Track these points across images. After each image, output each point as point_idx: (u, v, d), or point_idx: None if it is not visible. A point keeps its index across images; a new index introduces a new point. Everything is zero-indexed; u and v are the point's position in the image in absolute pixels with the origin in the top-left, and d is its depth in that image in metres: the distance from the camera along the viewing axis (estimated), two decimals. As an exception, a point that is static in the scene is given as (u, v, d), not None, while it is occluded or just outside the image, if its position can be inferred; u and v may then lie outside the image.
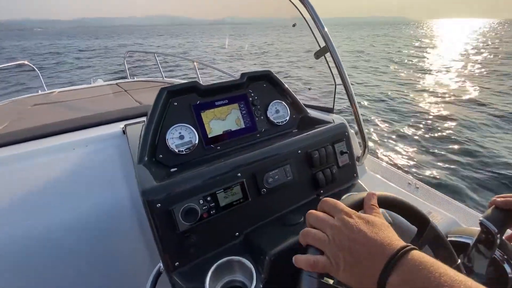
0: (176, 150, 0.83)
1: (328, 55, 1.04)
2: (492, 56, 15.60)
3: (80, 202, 0.84)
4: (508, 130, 5.28)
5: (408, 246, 0.36)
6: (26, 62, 3.63)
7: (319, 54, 1.03)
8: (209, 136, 0.90)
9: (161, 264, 0.69)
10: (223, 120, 0.93)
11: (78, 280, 0.81)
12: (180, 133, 0.85)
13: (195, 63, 2.69)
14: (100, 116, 1.46)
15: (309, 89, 1.31)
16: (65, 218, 0.81)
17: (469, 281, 0.31)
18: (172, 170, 0.79)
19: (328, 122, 1.00)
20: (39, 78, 3.64)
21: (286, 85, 1.08)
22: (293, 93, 1.09)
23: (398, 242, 0.37)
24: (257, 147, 0.83)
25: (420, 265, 0.33)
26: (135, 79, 3.63)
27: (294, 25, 1.10)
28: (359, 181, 0.97)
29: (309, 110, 1.13)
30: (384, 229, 0.40)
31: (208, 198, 0.68)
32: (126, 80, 3.47)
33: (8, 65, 3.42)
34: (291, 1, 1.10)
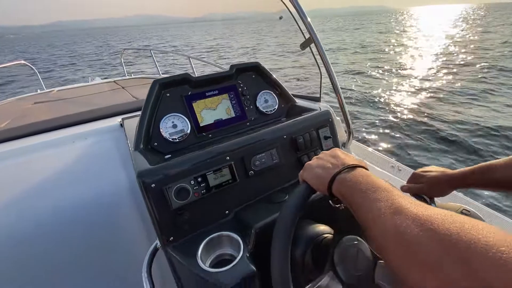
0: (170, 138, 0.89)
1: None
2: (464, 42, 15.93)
3: (80, 190, 0.90)
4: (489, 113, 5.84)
5: (356, 164, 0.47)
6: (24, 62, 3.67)
7: (304, 45, 1.09)
8: (201, 125, 0.96)
9: (158, 241, 0.75)
10: (214, 109, 0.99)
11: (81, 260, 0.87)
12: (173, 122, 0.91)
13: (190, 59, 2.74)
14: (99, 111, 1.51)
15: (298, 79, 1.36)
16: (67, 205, 0.87)
17: (395, 194, 0.38)
18: (167, 156, 0.85)
19: (315, 110, 1.05)
20: (38, 77, 3.69)
21: (274, 76, 1.13)
22: (281, 83, 1.14)
23: (355, 162, 0.48)
24: (246, 134, 0.89)
25: (358, 178, 0.44)
26: (132, 76, 3.68)
27: (280, 18, 1.15)
28: None
29: (297, 100, 1.18)
30: (352, 158, 0.51)
31: (199, 179, 0.74)
32: (123, 77, 3.52)
33: (5, 66, 3.46)
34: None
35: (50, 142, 1.18)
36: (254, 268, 0.64)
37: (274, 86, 1.13)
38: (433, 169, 0.77)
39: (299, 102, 1.17)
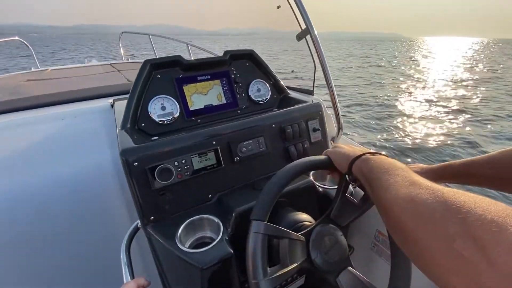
0: (158, 120, 0.89)
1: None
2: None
3: (65, 166, 0.89)
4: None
5: (378, 152, 0.53)
6: (17, 39, 3.59)
7: (300, 36, 1.08)
8: (191, 109, 0.95)
9: (139, 221, 0.75)
10: (204, 94, 0.98)
11: (62, 236, 0.87)
12: (162, 104, 0.90)
13: (188, 45, 2.70)
14: (90, 91, 1.50)
15: (292, 71, 1.36)
16: (50, 180, 0.86)
17: (412, 173, 0.42)
18: (153, 138, 0.85)
19: (306, 102, 1.05)
20: (32, 55, 3.62)
21: (269, 66, 1.12)
22: (275, 73, 1.13)
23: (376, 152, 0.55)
24: (236, 121, 0.88)
25: (382, 160, 0.48)
26: (130, 60, 3.63)
27: (278, 7, 1.14)
28: None
29: (290, 92, 1.18)
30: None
31: (183, 161, 0.74)
32: (120, 61, 3.47)
33: None
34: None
35: (39, 118, 1.17)
36: (231, 251, 0.64)
37: (268, 75, 1.13)
38: (415, 165, 0.80)
39: (292, 94, 1.17)
